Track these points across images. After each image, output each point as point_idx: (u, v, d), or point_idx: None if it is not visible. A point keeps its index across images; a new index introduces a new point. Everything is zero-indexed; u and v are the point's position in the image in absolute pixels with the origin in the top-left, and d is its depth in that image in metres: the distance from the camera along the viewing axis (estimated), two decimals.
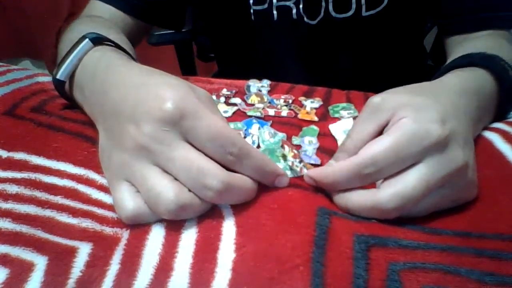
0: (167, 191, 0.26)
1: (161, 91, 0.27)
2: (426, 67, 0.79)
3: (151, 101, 0.27)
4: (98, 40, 0.38)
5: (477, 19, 0.53)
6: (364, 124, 0.30)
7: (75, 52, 0.37)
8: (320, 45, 0.61)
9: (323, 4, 0.56)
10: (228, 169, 0.28)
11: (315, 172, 0.30)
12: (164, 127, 0.26)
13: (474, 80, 0.38)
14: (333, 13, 0.56)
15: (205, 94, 0.30)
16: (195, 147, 0.27)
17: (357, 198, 0.28)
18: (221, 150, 0.27)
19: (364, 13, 0.56)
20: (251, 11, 0.59)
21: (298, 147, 0.38)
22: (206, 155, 0.27)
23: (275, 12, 0.58)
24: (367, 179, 0.28)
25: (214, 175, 0.26)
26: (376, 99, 0.30)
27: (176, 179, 0.26)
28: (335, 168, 0.29)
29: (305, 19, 0.58)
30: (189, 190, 0.26)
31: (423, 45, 0.72)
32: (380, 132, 0.30)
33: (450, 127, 0.28)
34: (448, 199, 0.29)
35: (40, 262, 0.25)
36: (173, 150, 0.26)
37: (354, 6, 0.55)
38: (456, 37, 0.55)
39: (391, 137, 0.27)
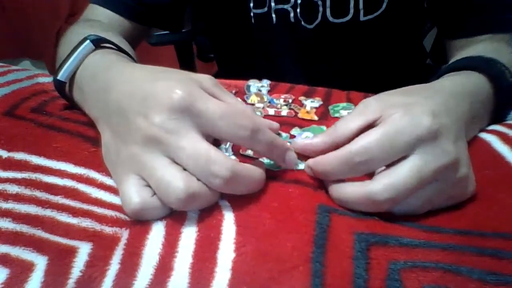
0: (177, 180, 0.26)
1: (168, 84, 0.28)
2: (426, 67, 0.79)
3: (159, 94, 0.27)
4: (99, 42, 0.38)
5: (478, 23, 0.53)
6: (351, 117, 0.31)
7: (76, 53, 0.37)
8: (318, 48, 0.61)
9: (321, 9, 0.56)
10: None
11: (312, 161, 0.31)
12: (173, 116, 0.27)
13: (467, 82, 0.38)
14: (330, 18, 0.57)
15: (209, 79, 0.31)
16: (207, 133, 0.28)
17: (351, 189, 0.29)
18: (234, 126, 0.28)
19: (362, 18, 0.56)
20: (251, 14, 0.59)
21: (292, 136, 0.38)
22: (218, 137, 0.28)
23: (273, 15, 0.58)
24: (359, 168, 0.28)
25: (222, 163, 0.27)
26: (368, 99, 0.31)
27: (185, 169, 0.27)
28: (327, 156, 0.30)
29: (303, 23, 0.58)
30: (198, 180, 0.27)
31: (423, 45, 0.72)
32: (366, 129, 0.30)
33: (441, 121, 0.28)
34: (442, 195, 0.29)
35: (40, 262, 0.25)
36: (182, 139, 0.26)
37: (352, 11, 0.56)
38: (457, 41, 0.55)
39: (382, 128, 0.28)
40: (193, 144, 0.27)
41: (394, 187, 0.27)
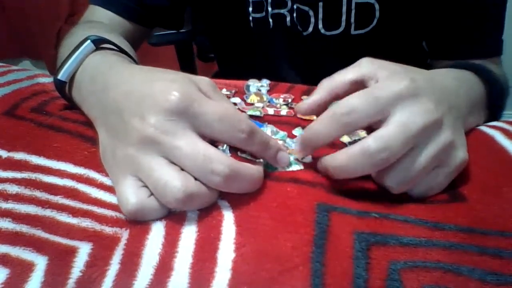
0: (174, 180, 0.26)
1: (166, 85, 0.28)
2: (427, 66, 0.79)
3: (157, 95, 0.27)
4: (100, 43, 0.38)
5: (468, 48, 0.56)
6: (346, 70, 0.34)
7: (77, 53, 0.37)
8: (313, 54, 0.61)
9: (312, 19, 0.56)
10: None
11: (306, 128, 0.32)
12: (170, 117, 0.27)
13: (461, 72, 0.40)
14: (322, 30, 0.57)
15: (207, 82, 0.31)
16: (203, 134, 0.28)
17: (345, 152, 0.29)
18: (231, 129, 0.28)
19: (353, 32, 0.57)
20: (250, 18, 0.59)
21: (293, 136, 0.39)
22: (215, 138, 0.28)
23: (270, 19, 0.59)
24: (343, 122, 0.29)
25: (221, 160, 0.27)
26: (363, 59, 0.33)
27: (182, 169, 0.27)
28: (317, 118, 0.31)
29: (298, 27, 0.58)
30: (196, 179, 0.27)
31: (423, 45, 0.72)
32: (356, 85, 0.32)
33: (419, 83, 0.30)
34: (432, 160, 0.29)
35: (40, 262, 0.25)
36: (179, 139, 0.27)
37: (343, 24, 0.56)
38: (446, 62, 0.57)
39: (365, 90, 0.30)
40: (190, 143, 0.27)
41: (385, 137, 0.28)
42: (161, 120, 0.27)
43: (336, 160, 0.30)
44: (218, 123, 0.28)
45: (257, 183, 0.30)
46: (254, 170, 0.29)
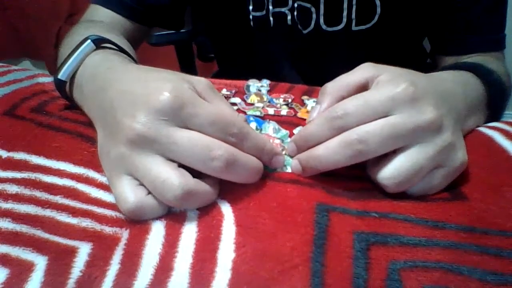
0: (172, 178, 0.26)
1: (159, 85, 0.28)
2: (427, 66, 0.79)
3: (149, 94, 0.27)
4: (100, 42, 0.38)
5: (470, 43, 0.56)
6: (348, 75, 0.33)
7: (77, 52, 0.37)
8: (313, 52, 0.61)
9: (314, 16, 0.56)
10: None
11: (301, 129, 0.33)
12: (162, 117, 0.27)
13: (459, 74, 0.40)
14: (323, 26, 0.57)
15: (203, 83, 0.31)
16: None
17: (330, 142, 0.30)
18: (222, 132, 0.28)
19: (354, 28, 0.57)
20: (250, 17, 0.59)
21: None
22: None
23: (271, 18, 0.59)
24: (336, 123, 0.29)
25: (219, 146, 0.27)
26: (366, 63, 0.33)
27: (179, 165, 0.27)
28: (312, 121, 0.32)
29: (299, 26, 0.58)
30: (193, 177, 0.27)
31: (423, 46, 0.72)
32: (360, 88, 0.32)
33: (418, 87, 0.29)
34: (430, 160, 0.29)
35: (40, 262, 0.25)
36: (174, 134, 0.27)
37: (345, 20, 0.56)
38: (448, 57, 0.58)
39: (361, 93, 0.30)
40: (185, 135, 0.27)
41: (366, 130, 0.28)
42: (153, 119, 0.26)
43: (315, 151, 0.30)
44: (210, 126, 0.27)
45: (257, 173, 0.30)
46: (253, 160, 0.29)
